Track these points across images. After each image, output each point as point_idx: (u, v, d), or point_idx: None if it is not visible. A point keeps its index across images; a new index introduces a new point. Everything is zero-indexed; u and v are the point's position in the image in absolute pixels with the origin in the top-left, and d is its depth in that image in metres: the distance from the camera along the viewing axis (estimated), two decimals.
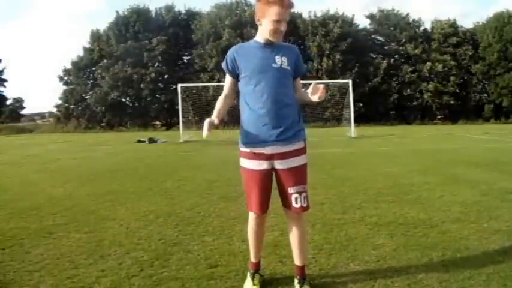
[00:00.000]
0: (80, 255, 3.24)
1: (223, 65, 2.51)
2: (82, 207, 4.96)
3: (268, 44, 2.42)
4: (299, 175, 2.42)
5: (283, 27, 2.35)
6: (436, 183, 5.98)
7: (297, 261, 2.55)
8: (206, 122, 2.33)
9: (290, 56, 2.44)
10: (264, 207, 2.48)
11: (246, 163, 2.46)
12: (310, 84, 2.45)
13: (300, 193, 2.40)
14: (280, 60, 2.39)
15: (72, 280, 2.77)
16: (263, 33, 2.40)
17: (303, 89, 2.58)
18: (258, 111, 2.37)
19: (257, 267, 2.67)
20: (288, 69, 2.42)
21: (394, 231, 3.70)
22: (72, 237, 3.72)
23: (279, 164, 2.40)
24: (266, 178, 2.43)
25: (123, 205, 5.01)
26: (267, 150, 2.38)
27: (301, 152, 2.44)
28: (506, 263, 2.87)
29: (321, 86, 2.40)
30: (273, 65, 2.38)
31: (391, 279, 2.67)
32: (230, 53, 2.48)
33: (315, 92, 2.41)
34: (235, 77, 2.48)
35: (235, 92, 2.54)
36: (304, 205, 2.43)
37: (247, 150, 2.44)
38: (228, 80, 2.52)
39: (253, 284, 2.56)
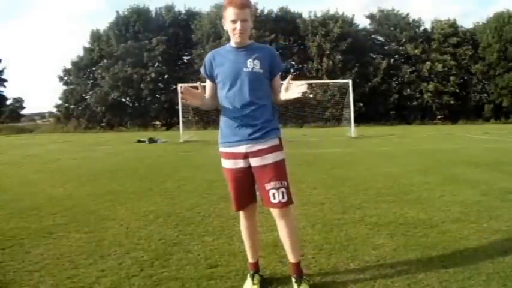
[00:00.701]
0: (80, 255, 3.24)
1: (202, 70, 2.60)
2: (82, 207, 4.96)
3: (241, 48, 2.47)
4: (275, 171, 2.44)
5: (240, 27, 2.38)
6: (436, 183, 5.98)
7: (291, 259, 2.57)
8: (184, 87, 2.47)
9: (263, 57, 2.46)
10: (241, 204, 2.56)
11: (225, 163, 2.55)
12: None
13: (277, 188, 2.42)
14: (252, 64, 2.43)
15: (72, 280, 2.77)
16: (231, 37, 2.47)
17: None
18: (232, 114, 2.46)
19: (256, 268, 2.69)
20: (261, 72, 2.45)
21: (394, 231, 3.70)
22: (72, 237, 3.72)
23: (253, 162, 2.46)
24: (242, 176, 2.50)
25: (123, 205, 5.01)
26: (242, 149, 2.46)
27: (276, 149, 2.48)
28: (506, 263, 2.87)
29: (296, 82, 2.38)
30: (244, 69, 2.43)
31: (391, 279, 2.67)
32: (207, 58, 2.56)
33: (289, 89, 2.40)
34: (214, 81, 2.56)
35: (216, 96, 2.59)
36: (283, 200, 2.44)
37: (225, 150, 2.54)
38: (208, 84, 2.61)
39: (253, 284, 2.57)
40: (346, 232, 3.69)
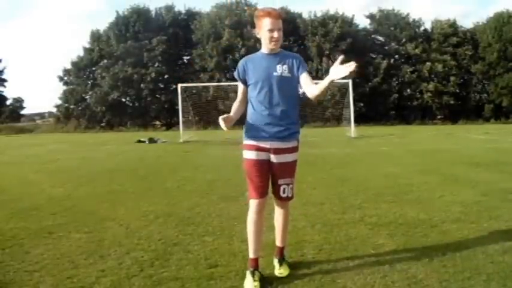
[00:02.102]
0: (80, 255, 3.25)
1: (235, 74, 2.88)
2: (82, 207, 4.96)
3: (271, 54, 2.77)
4: (288, 169, 2.80)
5: (276, 35, 2.68)
6: (436, 183, 5.98)
7: (278, 243, 2.96)
8: (220, 119, 2.62)
9: (291, 63, 2.75)
10: (262, 191, 2.76)
11: (249, 154, 2.78)
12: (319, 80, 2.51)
13: (287, 184, 2.81)
14: (281, 69, 2.72)
15: (72, 280, 2.77)
16: (264, 44, 2.77)
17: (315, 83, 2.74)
18: (261, 112, 2.74)
19: (256, 265, 2.75)
20: (289, 77, 2.73)
21: (394, 231, 3.70)
22: (72, 237, 3.72)
23: (273, 158, 2.76)
24: (264, 166, 2.76)
25: (123, 205, 5.01)
26: (267, 144, 2.74)
27: (294, 150, 2.81)
28: (506, 263, 2.87)
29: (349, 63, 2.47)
30: (274, 73, 2.72)
31: (391, 279, 2.67)
32: (240, 63, 2.85)
33: (340, 66, 2.50)
34: (246, 84, 2.84)
35: (246, 98, 2.88)
36: (290, 195, 2.84)
37: (251, 143, 2.77)
38: (240, 87, 2.89)
39: (254, 281, 2.62)
40: (346, 232, 3.69)
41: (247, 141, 2.79)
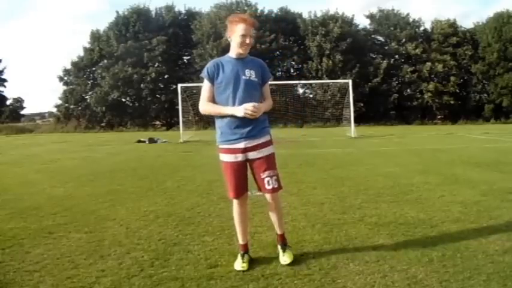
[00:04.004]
0: (80, 255, 3.25)
1: (204, 74, 2.97)
2: (82, 207, 4.96)
3: (239, 59, 2.94)
4: (268, 162, 2.96)
5: (248, 41, 2.87)
6: (436, 183, 5.98)
7: (278, 230, 3.15)
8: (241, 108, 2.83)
9: (256, 68, 2.96)
10: (239, 191, 2.98)
11: (225, 157, 2.97)
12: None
13: (270, 176, 2.95)
14: (249, 73, 2.91)
15: (72, 280, 2.77)
16: (233, 48, 2.93)
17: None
18: (229, 115, 2.87)
19: (246, 249, 3.05)
20: (256, 81, 2.94)
21: (394, 231, 3.70)
22: (72, 237, 3.72)
23: (251, 155, 2.93)
24: (241, 168, 2.96)
25: (123, 205, 5.01)
26: (241, 145, 2.91)
27: (268, 144, 3.00)
28: (506, 263, 2.87)
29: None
30: (243, 77, 2.90)
31: (391, 279, 2.67)
32: (210, 64, 2.97)
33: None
34: (213, 83, 2.95)
35: (213, 97, 3.00)
36: (275, 186, 2.97)
37: (225, 147, 2.95)
38: (208, 85, 2.97)
39: (243, 262, 2.92)
40: (346, 232, 3.69)
41: (222, 146, 2.97)
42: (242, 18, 2.88)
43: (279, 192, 3.04)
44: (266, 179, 2.93)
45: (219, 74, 2.92)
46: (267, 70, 3.04)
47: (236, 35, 2.85)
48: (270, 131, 3.05)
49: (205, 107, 2.99)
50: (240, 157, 2.92)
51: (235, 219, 3.08)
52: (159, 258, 3.13)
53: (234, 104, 2.86)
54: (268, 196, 3.03)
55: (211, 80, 2.94)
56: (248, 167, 3.01)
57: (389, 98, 34.19)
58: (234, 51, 2.93)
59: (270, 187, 2.95)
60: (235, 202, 3.04)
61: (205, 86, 2.99)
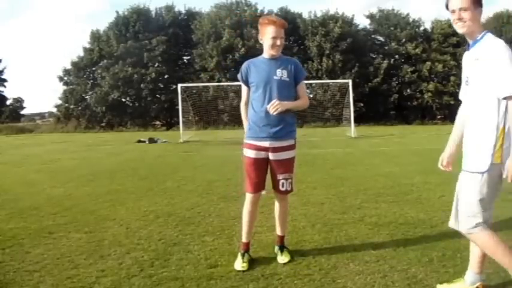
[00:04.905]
0: (80, 255, 3.25)
1: (239, 76, 3.12)
2: (82, 207, 4.96)
3: (272, 59, 3.01)
4: (286, 165, 3.05)
5: (279, 42, 2.95)
6: (436, 183, 5.97)
7: (279, 232, 3.20)
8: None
9: (289, 68, 3.01)
10: (256, 187, 3.04)
11: (248, 152, 3.04)
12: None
13: (286, 179, 3.05)
14: (281, 73, 2.97)
15: (72, 280, 2.77)
16: (266, 50, 3.01)
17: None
18: (260, 113, 2.98)
19: (247, 248, 3.07)
20: (287, 81, 3.00)
21: (394, 231, 3.70)
22: (72, 237, 3.72)
23: (271, 156, 3.01)
24: (261, 165, 3.03)
25: (123, 205, 5.01)
26: (266, 144, 2.99)
27: (291, 148, 3.06)
28: None
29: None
30: (275, 77, 2.97)
31: (391, 279, 2.67)
32: (244, 66, 3.09)
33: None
34: (248, 85, 3.08)
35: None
36: (289, 189, 3.09)
37: (250, 142, 3.03)
38: (245, 89, 3.13)
39: (243, 262, 2.93)
40: (346, 232, 3.69)
41: (248, 141, 3.05)
42: (272, 21, 2.97)
43: (289, 195, 3.15)
44: (281, 181, 3.03)
45: (251, 75, 3.04)
46: (300, 69, 3.09)
47: (267, 37, 2.95)
48: (296, 135, 3.11)
49: (241, 110, 3.18)
50: (262, 154, 3.01)
51: (244, 217, 3.09)
52: (159, 258, 3.13)
53: (265, 103, 2.94)
54: (278, 196, 3.13)
55: (246, 82, 3.08)
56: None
57: (389, 98, 34.15)
58: (266, 53, 3.02)
59: (283, 189, 3.05)
60: (248, 200, 3.07)
61: (242, 88, 3.15)
